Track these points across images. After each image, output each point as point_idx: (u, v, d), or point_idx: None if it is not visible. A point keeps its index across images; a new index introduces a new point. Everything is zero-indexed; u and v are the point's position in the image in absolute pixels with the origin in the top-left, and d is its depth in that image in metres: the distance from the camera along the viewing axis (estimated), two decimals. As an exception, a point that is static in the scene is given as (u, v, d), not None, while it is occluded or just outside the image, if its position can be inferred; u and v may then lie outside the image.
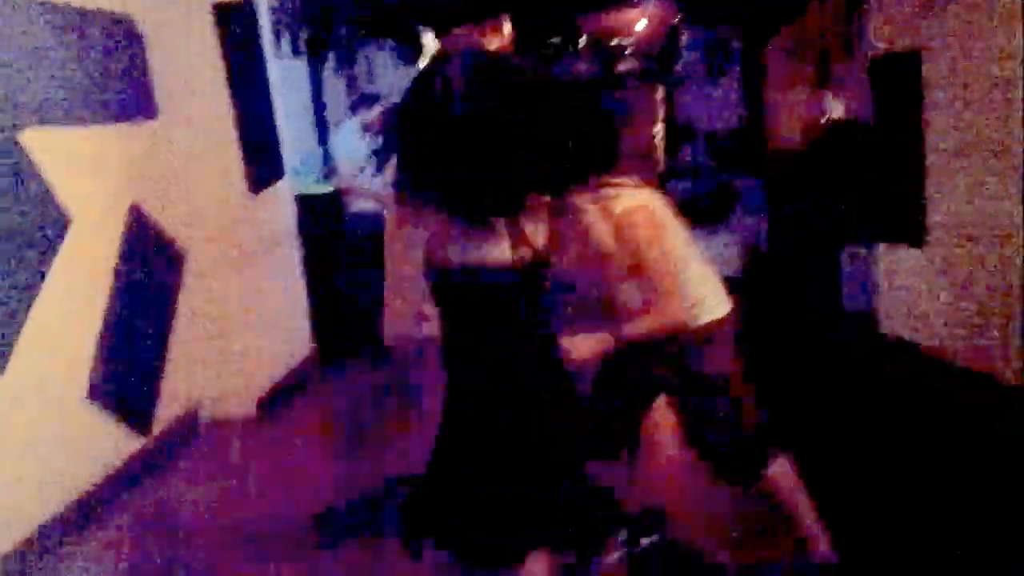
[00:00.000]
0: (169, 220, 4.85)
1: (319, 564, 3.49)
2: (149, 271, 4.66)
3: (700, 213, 6.83)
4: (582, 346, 2.44)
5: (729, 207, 7.59)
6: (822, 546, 2.92)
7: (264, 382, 5.36)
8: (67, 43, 4.07)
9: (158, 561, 3.62)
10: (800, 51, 6.97)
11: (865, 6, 5.56)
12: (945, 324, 4.82)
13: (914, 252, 5.11)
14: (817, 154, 6.13)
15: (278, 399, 5.41)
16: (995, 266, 4.39)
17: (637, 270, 2.60)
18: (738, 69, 8.57)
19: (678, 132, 10.74)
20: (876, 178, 5.53)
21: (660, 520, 3.04)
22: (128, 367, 4.40)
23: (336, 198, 6.46)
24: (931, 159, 4.88)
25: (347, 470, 4.44)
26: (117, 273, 4.35)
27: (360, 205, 6.33)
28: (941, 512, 3.35)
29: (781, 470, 2.92)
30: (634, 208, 2.61)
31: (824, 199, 5.89)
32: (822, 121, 6.23)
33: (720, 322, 2.85)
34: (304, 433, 5.21)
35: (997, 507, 3.36)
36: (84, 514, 3.88)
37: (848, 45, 6.39)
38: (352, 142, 6.46)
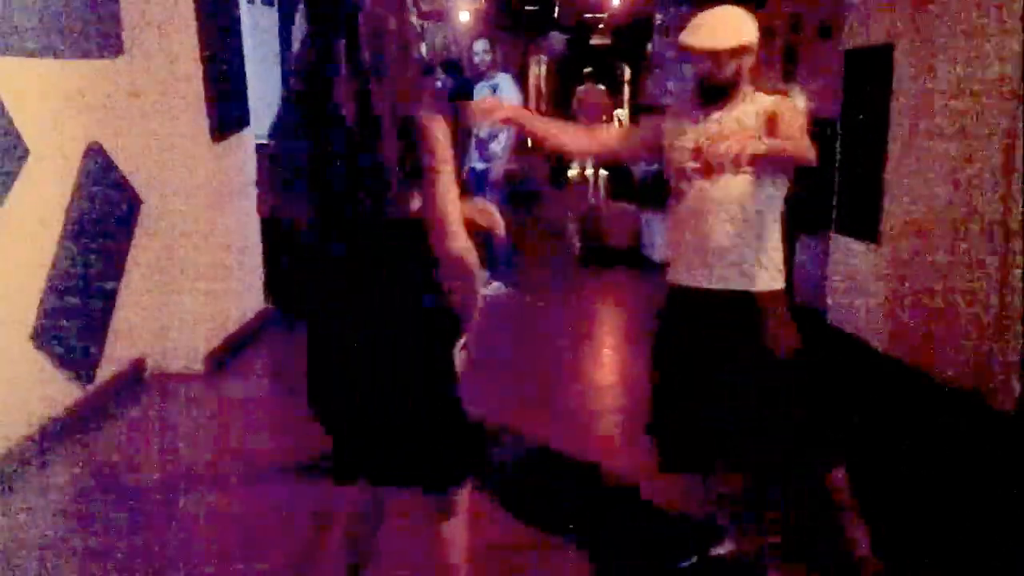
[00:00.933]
0: (127, 163, 4.67)
1: (261, 511, 3.45)
2: (104, 213, 4.48)
3: (662, 196, 6.85)
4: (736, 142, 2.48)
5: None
6: (865, 548, 2.85)
7: (214, 336, 5.23)
8: (34, -31, 3.87)
9: (98, 509, 3.52)
10: (767, 42, 6.99)
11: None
12: (893, 322, 4.91)
13: (867, 247, 5.18)
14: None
15: (228, 354, 5.29)
16: (946, 266, 4.46)
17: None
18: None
19: (642, 112, 10.74)
20: (836, 172, 5.60)
21: (728, 529, 3.08)
22: (75, 312, 4.23)
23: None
24: (892, 156, 4.95)
25: (291, 428, 4.37)
26: (70, 213, 4.17)
27: None
28: (887, 506, 3.41)
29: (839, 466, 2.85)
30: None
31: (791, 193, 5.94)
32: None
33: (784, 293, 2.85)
34: (252, 388, 5.13)
35: (943, 504, 3.43)
36: (21, 461, 3.74)
37: (825, 34, 6.42)
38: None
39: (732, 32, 2.70)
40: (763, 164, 2.62)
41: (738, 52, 2.69)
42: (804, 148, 2.61)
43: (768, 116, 2.68)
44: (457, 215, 2.09)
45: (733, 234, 2.70)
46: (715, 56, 2.69)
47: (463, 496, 2.33)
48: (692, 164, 2.74)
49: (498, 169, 6.91)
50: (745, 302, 2.74)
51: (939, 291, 4.52)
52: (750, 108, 2.74)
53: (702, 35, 2.71)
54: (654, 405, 2.99)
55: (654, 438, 3.00)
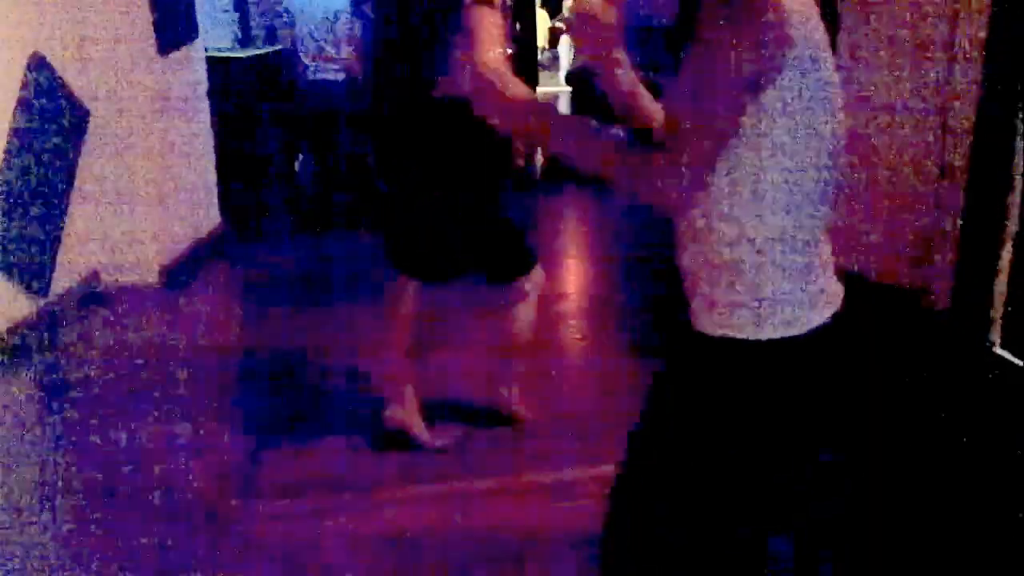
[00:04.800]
0: (72, 75, 4.62)
1: (212, 427, 3.53)
2: (50, 125, 4.44)
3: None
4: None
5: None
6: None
7: (168, 252, 5.24)
8: None
9: (54, 419, 3.60)
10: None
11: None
12: (842, 228, 5.01)
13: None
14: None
15: (183, 268, 5.32)
16: (885, 166, 4.56)
17: None
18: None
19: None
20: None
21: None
22: (25, 226, 4.23)
23: (253, 63, 6.24)
24: (841, 50, 4.98)
25: (250, 340, 4.45)
26: (14, 125, 4.14)
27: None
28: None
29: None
30: None
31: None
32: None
33: None
34: (206, 301, 5.18)
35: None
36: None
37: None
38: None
39: None
40: None
41: None
42: None
43: None
44: (489, 54, 2.60)
45: None
46: None
47: (529, 283, 3.19)
48: None
49: None
50: None
51: (880, 196, 4.63)
52: None
53: None
54: None
55: None
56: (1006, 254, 3.83)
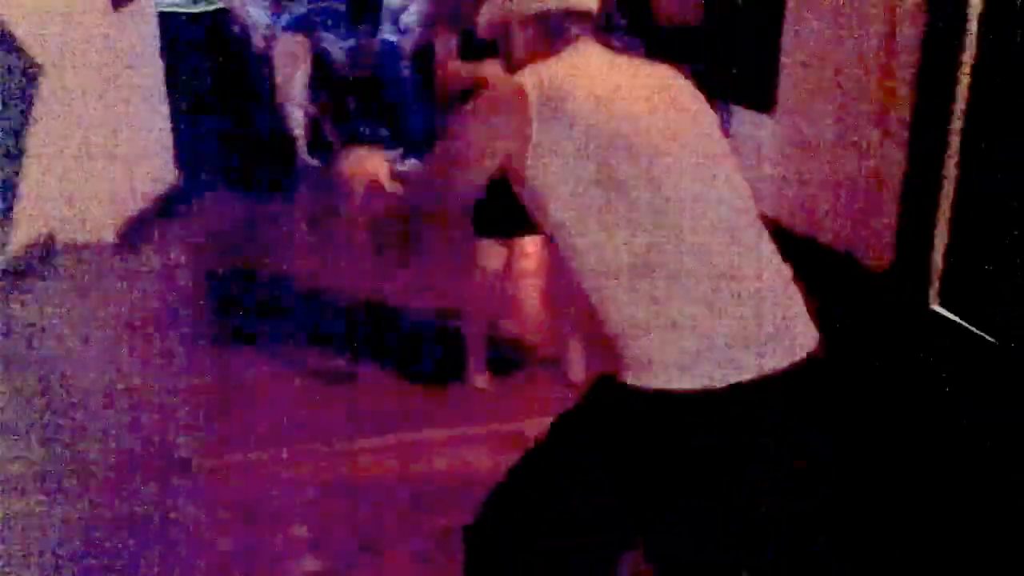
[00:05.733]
0: (22, 32, 4.55)
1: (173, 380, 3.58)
2: (0, 81, 4.39)
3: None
4: None
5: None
6: None
7: (124, 209, 5.21)
8: None
9: (8, 377, 3.62)
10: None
11: None
12: (788, 191, 5.14)
13: (763, 118, 5.37)
14: (697, 19, 6.25)
15: (140, 226, 5.30)
16: (829, 131, 4.67)
17: None
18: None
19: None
20: (739, 43, 5.72)
21: None
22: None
23: (205, 17, 6.17)
24: (788, 27, 5.08)
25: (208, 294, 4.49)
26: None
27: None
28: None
29: None
30: None
31: (694, 64, 6.06)
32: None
33: None
34: (163, 259, 5.18)
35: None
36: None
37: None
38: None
39: None
40: None
41: None
42: None
43: None
44: None
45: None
46: None
47: None
48: None
49: (411, 42, 6.85)
50: None
51: (823, 159, 4.74)
52: None
53: None
54: None
55: None
56: (943, 215, 3.96)
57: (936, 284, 4.02)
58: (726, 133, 6.13)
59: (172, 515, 2.72)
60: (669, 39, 6.42)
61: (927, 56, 3.97)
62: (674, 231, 1.49)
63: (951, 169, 3.92)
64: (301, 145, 6.84)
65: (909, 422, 3.25)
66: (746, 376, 1.46)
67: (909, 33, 4.04)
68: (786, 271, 1.65)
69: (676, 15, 6.46)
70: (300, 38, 6.59)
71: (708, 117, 1.68)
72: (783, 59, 5.12)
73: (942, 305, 3.98)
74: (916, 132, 4.06)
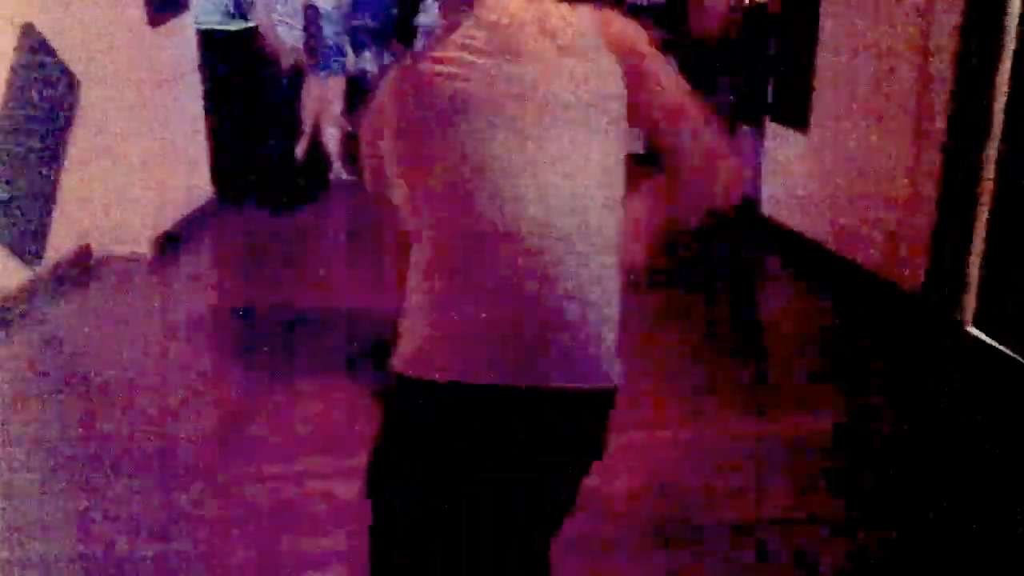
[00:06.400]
0: (64, 46, 4.65)
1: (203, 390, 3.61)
2: (41, 96, 4.48)
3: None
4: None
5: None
6: None
7: (160, 222, 5.29)
8: None
9: (45, 395, 3.66)
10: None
11: None
12: (821, 210, 5.10)
13: (797, 135, 5.34)
14: (731, 38, 6.25)
15: (175, 239, 5.38)
16: (863, 152, 4.64)
17: None
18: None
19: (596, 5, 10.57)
20: (773, 62, 5.70)
21: None
22: (16, 196, 4.28)
23: (244, 35, 6.26)
24: (823, 43, 5.06)
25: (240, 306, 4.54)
26: (7, 95, 4.18)
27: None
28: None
29: None
30: None
31: (730, 81, 6.06)
32: (744, 3, 6.32)
33: None
34: (198, 273, 5.25)
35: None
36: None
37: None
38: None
39: None
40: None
41: None
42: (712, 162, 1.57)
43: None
44: None
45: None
46: None
47: None
48: None
49: None
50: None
51: (856, 177, 4.71)
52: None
53: None
54: None
55: None
56: (978, 235, 3.91)
57: (971, 305, 3.96)
58: (755, 151, 6.12)
59: (198, 523, 2.75)
60: (704, 55, 6.43)
61: (963, 74, 3.93)
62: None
63: (987, 188, 3.87)
64: (335, 160, 6.93)
65: (942, 444, 3.21)
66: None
67: (945, 51, 4.01)
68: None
69: (713, 31, 6.47)
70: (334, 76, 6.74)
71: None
72: (817, 76, 5.10)
73: (976, 326, 3.92)
74: (951, 151, 4.02)
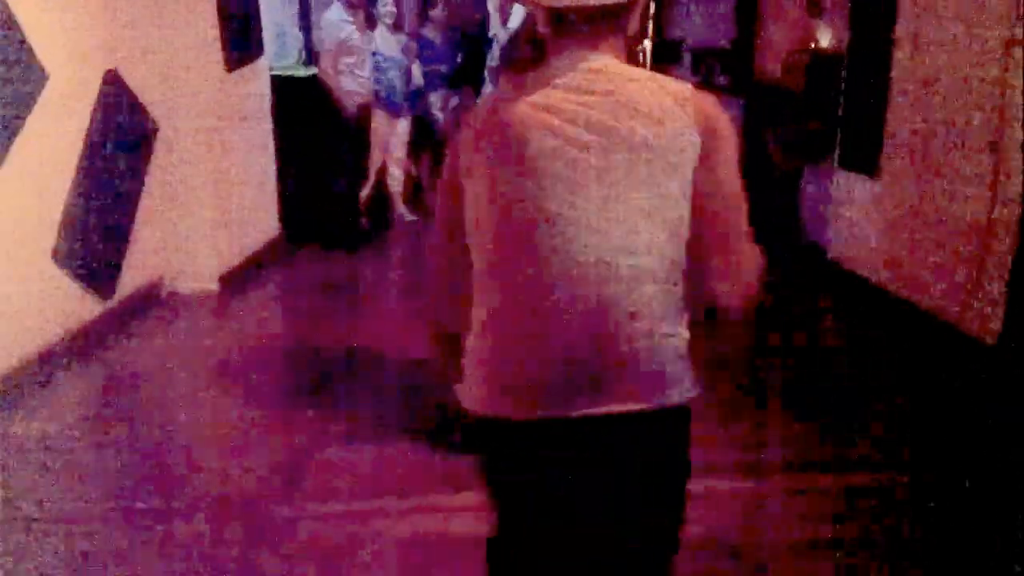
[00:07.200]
0: (144, 90, 4.82)
1: (262, 428, 3.64)
2: (122, 138, 4.64)
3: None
4: None
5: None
6: None
7: (229, 259, 5.42)
8: None
9: (113, 426, 3.73)
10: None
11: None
12: (886, 255, 5.00)
13: (866, 180, 5.26)
14: (799, 81, 6.21)
15: (242, 276, 5.49)
16: (936, 200, 4.54)
17: None
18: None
19: (666, 48, 10.70)
20: (843, 107, 5.65)
21: None
22: (94, 232, 4.42)
23: (314, 82, 6.42)
24: (895, 90, 4.99)
25: (303, 346, 4.60)
26: (89, 137, 4.33)
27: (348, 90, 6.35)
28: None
29: None
30: None
31: (798, 126, 6.01)
32: (809, 47, 6.27)
33: None
34: (264, 309, 5.35)
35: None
36: (44, 372, 3.96)
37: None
38: (335, 25, 6.37)
39: None
40: None
41: None
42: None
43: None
44: None
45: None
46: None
47: None
48: None
49: None
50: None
51: (929, 225, 4.61)
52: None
53: None
54: None
55: None
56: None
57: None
58: (827, 194, 6.00)
59: (253, 563, 2.75)
60: (770, 100, 6.40)
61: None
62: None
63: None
64: (398, 201, 7.04)
65: (1016, 501, 3.08)
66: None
67: (1020, 100, 3.92)
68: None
69: (779, 80, 6.44)
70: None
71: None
72: (889, 123, 5.02)
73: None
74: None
